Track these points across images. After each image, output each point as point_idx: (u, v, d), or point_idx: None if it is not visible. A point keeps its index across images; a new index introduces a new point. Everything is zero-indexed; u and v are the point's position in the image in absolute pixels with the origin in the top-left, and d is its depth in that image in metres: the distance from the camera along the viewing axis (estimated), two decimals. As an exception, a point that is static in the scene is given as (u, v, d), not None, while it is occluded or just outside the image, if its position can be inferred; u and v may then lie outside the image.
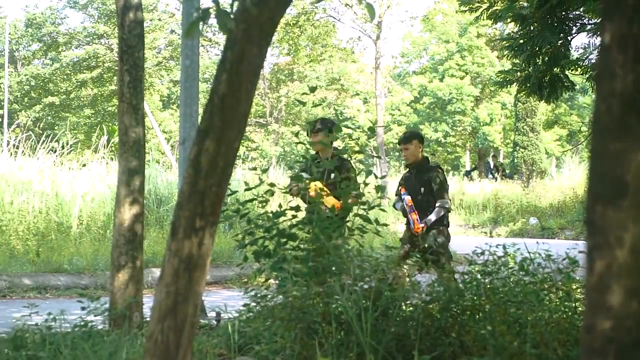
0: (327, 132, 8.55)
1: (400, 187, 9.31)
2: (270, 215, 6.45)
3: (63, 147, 18.99)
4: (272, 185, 6.68)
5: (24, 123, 38.55)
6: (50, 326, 6.43)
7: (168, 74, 39.07)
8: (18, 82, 39.87)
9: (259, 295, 6.06)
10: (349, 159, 8.71)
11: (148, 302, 6.71)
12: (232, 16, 3.71)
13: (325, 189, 8.00)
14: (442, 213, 9.02)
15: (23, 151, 18.03)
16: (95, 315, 6.62)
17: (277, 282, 6.22)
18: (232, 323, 6.05)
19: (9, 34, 40.35)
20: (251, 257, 6.53)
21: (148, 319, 6.38)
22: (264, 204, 6.68)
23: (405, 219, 9.21)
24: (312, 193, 7.97)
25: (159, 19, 35.45)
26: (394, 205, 9.50)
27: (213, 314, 7.60)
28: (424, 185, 9.05)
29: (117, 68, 27.17)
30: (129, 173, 6.67)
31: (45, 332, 6.35)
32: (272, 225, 6.40)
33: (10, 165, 16.89)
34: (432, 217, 8.95)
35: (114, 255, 6.73)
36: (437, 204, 8.98)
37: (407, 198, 8.98)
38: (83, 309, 6.64)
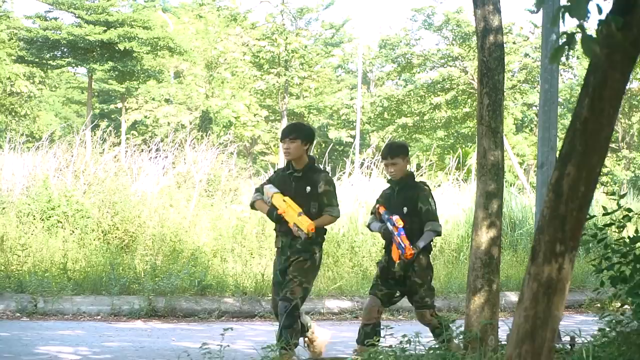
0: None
1: (377, 206, 8.28)
2: (627, 240, 6.46)
3: (418, 168, 19.65)
4: (629, 210, 6.66)
5: (376, 144, 40.15)
6: (404, 348, 6.78)
7: (522, 97, 38.98)
8: (371, 103, 41.46)
9: (614, 320, 6.09)
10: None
11: (502, 325, 6.94)
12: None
13: (293, 204, 7.67)
14: (432, 238, 8.04)
15: (377, 173, 18.84)
16: (449, 339, 6.92)
17: (632, 307, 6.21)
18: (586, 348, 6.10)
19: (362, 55, 42.17)
20: (607, 282, 6.57)
21: (503, 343, 6.60)
22: (621, 229, 6.67)
23: (385, 241, 8.19)
24: (280, 211, 7.70)
25: (514, 42, 35.50)
26: (368, 226, 8.49)
27: (567, 338, 7.65)
28: (408, 205, 8.01)
29: (471, 91, 27.44)
30: (487, 196, 6.87)
31: (400, 354, 6.69)
32: (629, 250, 6.41)
33: (364, 187, 17.71)
34: (422, 242, 7.89)
35: (470, 278, 6.93)
36: (427, 228, 7.94)
37: (397, 218, 7.83)
38: (438, 332, 6.97)
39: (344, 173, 19.27)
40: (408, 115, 39.88)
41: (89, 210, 14.89)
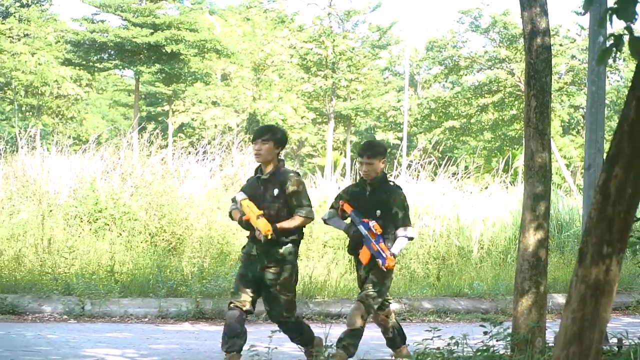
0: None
1: (341, 202, 7.90)
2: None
3: (465, 170, 19.65)
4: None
5: (423, 146, 40.10)
6: (452, 350, 6.83)
7: (569, 99, 38.73)
8: (418, 105, 41.38)
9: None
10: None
11: (550, 327, 6.96)
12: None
13: (253, 208, 7.33)
14: (405, 244, 7.76)
15: (425, 175, 18.87)
16: (497, 340, 6.95)
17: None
18: (634, 349, 6.12)
19: (409, 57, 42.14)
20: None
21: (550, 344, 6.63)
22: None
23: (351, 242, 7.85)
24: (246, 217, 7.37)
25: (560, 45, 35.27)
26: (325, 220, 8.11)
27: (614, 340, 7.65)
28: (382, 208, 7.68)
29: (518, 93, 27.26)
30: (534, 198, 6.90)
31: (447, 355, 6.74)
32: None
33: (412, 189, 17.74)
34: (397, 248, 7.63)
35: (518, 280, 6.97)
36: (401, 233, 7.65)
37: (375, 224, 7.50)
38: (485, 333, 6.99)
39: (391, 175, 19.29)
40: (455, 117, 39.77)
41: (136, 213, 15.05)
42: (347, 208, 7.78)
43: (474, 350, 6.89)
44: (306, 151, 47.05)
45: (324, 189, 18.00)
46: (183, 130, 42.49)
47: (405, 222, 7.68)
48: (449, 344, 6.99)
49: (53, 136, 23.72)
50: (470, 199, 17.94)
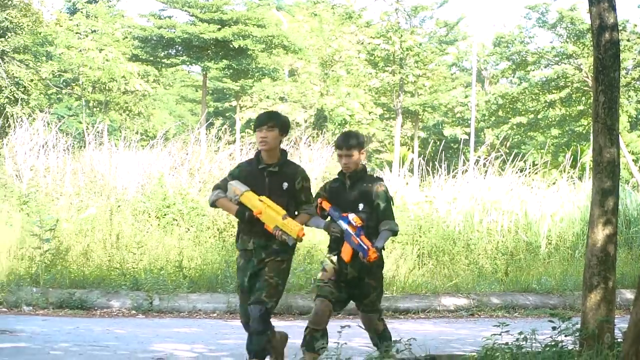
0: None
1: (320, 200, 7.40)
2: None
3: (533, 165, 19.54)
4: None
5: (491, 142, 39.87)
6: (521, 345, 6.87)
7: (636, 95, 38.21)
8: (486, 102, 41.16)
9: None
10: None
11: (618, 323, 6.97)
12: None
13: (274, 205, 6.90)
14: (389, 237, 7.31)
15: (493, 171, 18.82)
16: (565, 336, 6.97)
17: None
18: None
19: (477, 52, 41.95)
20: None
21: (619, 340, 6.64)
22: None
23: (331, 240, 7.38)
24: (257, 211, 6.89)
25: (628, 40, 34.82)
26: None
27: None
28: (364, 201, 7.26)
29: (585, 88, 26.99)
30: (603, 193, 6.90)
31: (516, 351, 6.78)
32: None
33: (480, 185, 17.73)
34: (381, 242, 7.14)
35: (586, 275, 6.97)
36: (384, 227, 7.22)
37: (354, 216, 7.10)
38: (554, 328, 7.02)
39: (456, 171, 19.26)
40: (522, 113, 39.55)
41: (204, 208, 15.15)
42: (326, 205, 7.39)
43: (543, 345, 6.92)
44: (374, 147, 47.02)
45: (392, 184, 18.00)
46: (250, 126, 42.61)
47: (387, 215, 7.32)
48: (517, 340, 7.02)
49: (120, 132, 24.00)
50: (538, 194, 17.86)
